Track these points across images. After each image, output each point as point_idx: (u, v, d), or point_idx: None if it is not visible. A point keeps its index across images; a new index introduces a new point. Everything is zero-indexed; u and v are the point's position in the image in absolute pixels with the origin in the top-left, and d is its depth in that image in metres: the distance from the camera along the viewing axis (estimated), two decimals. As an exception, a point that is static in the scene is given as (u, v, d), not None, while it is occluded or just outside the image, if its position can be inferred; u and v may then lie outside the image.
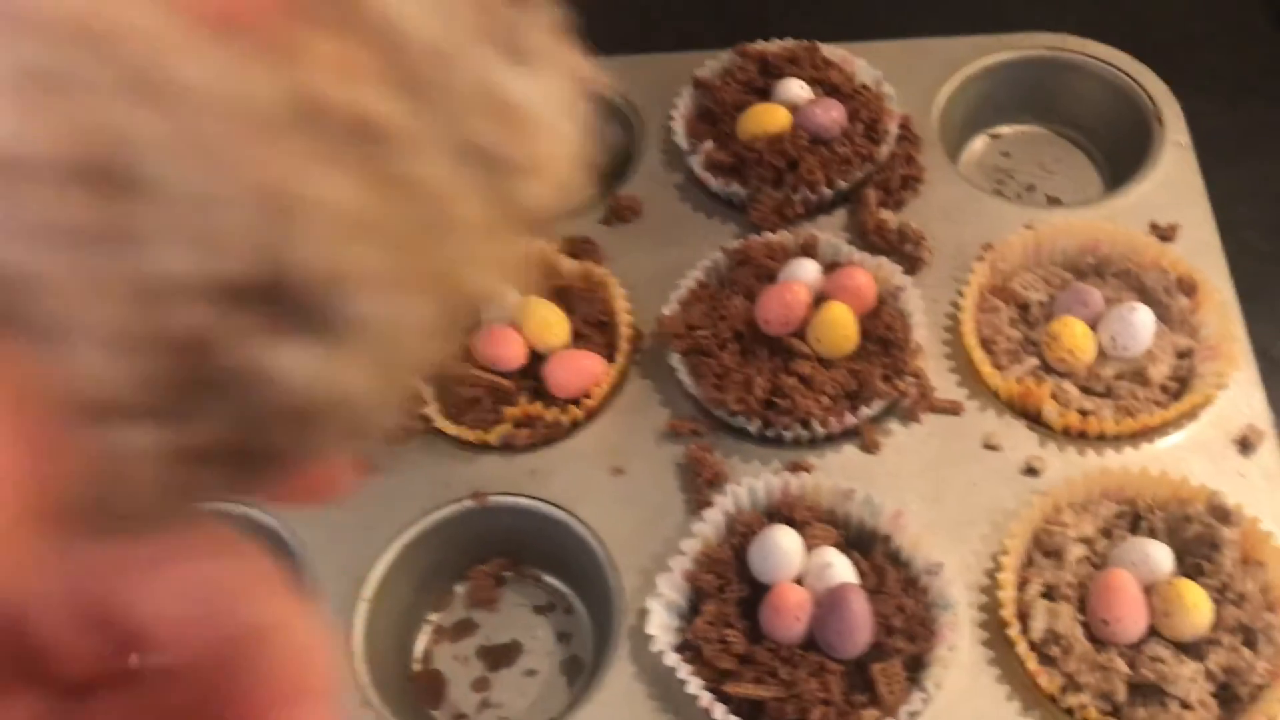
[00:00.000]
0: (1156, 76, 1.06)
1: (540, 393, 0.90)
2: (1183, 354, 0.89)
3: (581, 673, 0.85)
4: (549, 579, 0.90)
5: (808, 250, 0.95)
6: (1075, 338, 0.87)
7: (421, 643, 0.88)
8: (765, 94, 1.04)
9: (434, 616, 0.89)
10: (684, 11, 1.26)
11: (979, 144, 1.11)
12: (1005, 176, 1.09)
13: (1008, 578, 0.78)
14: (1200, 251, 0.95)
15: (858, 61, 1.07)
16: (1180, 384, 0.88)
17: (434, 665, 0.87)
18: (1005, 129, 1.12)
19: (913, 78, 1.07)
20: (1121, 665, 0.75)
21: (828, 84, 1.04)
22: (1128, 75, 1.07)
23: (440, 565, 0.89)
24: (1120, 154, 1.07)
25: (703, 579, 0.80)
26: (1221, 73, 1.20)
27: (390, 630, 0.86)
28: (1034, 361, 0.89)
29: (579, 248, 0.99)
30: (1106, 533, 0.82)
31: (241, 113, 0.21)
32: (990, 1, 1.15)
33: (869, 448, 0.87)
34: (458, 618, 0.89)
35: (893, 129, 1.01)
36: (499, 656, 0.86)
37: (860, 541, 0.83)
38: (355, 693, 0.79)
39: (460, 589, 0.90)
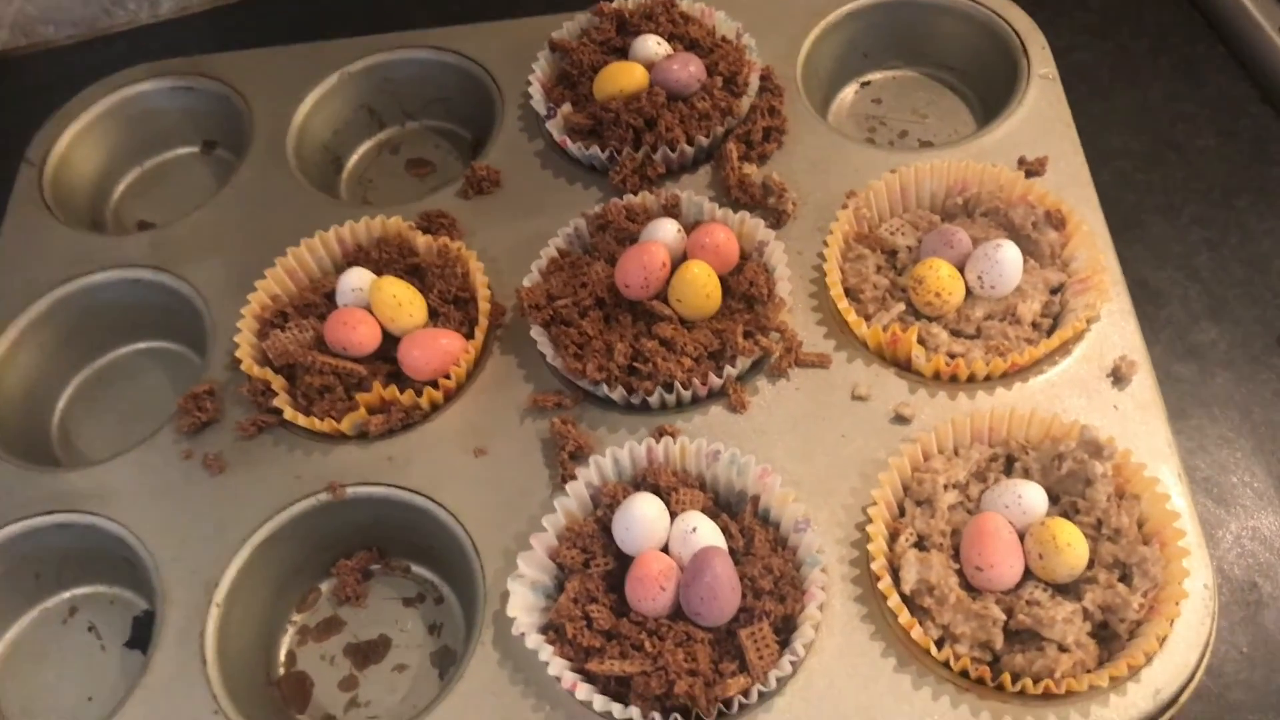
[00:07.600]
0: (1022, 10, 1.04)
1: (396, 376, 0.87)
2: (1054, 289, 0.87)
3: (454, 664, 0.82)
4: (418, 569, 0.87)
5: (670, 210, 0.92)
6: (941, 280, 0.84)
7: (286, 645, 0.84)
8: (624, 53, 1.00)
9: (298, 617, 0.85)
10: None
11: (849, 93, 1.08)
12: (878, 124, 1.06)
13: (877, 529, 0.75)
14: (1070, 183, 0.92)
15: (717, 14, 1.03)
16: (1053, 320, 0.86)
17: (298, 667, 0.83)
18: (875, 75, 1.09)
19: (776, 27, 1.04)
20: (997, 612, 0.72)
21: (686, 39, 1.00)
22: (992, 11, 1.04)
23: (301, 563, 0.85)
24: (992, 92, 1.04)
25: (567, 555, 0.76)
26: (1089, 3, 1.18)
27: (250, 634, 0.82)
28: (900, 307, 0.86)
29: (434, 223, 0.96)
30: (980, 477, 0.79)
31: None
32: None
33: (736, 407, 0.84)
34: (323, 616, 0.85)
35: (754, 81, 0.98)
36: (367, 653, 0.83)
37: (730, 504, 0.80)
38: (209, 701, 0.75)
39: (325, 586, 0.86)
